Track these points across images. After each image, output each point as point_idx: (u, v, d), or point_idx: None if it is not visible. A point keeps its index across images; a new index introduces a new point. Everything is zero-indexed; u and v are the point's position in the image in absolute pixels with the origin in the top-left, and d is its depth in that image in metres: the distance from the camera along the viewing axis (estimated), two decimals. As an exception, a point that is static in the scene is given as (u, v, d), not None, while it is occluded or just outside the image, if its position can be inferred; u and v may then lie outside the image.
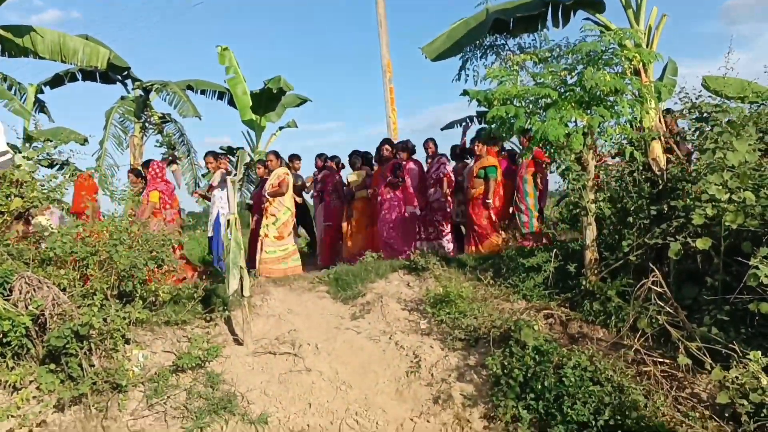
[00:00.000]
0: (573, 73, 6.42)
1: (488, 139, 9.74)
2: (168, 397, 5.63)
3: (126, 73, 14.71)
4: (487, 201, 9.22)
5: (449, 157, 10.34)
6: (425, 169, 10.29)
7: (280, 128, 16.57)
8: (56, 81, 15.27)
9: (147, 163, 10.18)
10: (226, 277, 6.56)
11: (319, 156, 11.57)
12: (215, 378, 5.91)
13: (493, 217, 9.33)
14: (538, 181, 9.20)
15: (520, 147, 10.73)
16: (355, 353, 6.55)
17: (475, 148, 9.49)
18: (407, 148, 10.24)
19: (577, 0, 8.51)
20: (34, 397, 5.28)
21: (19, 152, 7.18)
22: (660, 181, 6.65)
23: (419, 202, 10.02)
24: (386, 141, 10.34)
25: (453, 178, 9.98)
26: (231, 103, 15.66)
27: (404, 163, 10.05)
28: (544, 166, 9.57)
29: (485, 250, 9.17)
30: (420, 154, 10.51)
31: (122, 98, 15.08)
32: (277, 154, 9.86)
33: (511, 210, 9.51)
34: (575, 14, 8.69)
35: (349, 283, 7.99)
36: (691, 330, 5.37)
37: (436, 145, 10.44)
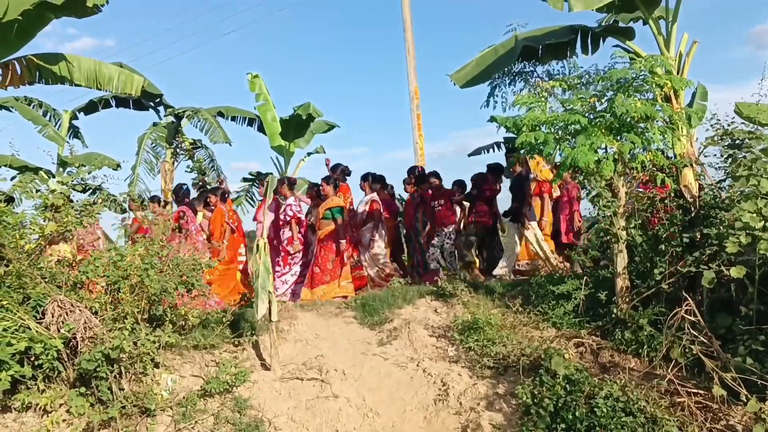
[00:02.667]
0: (603, 100, 6.41)
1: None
2: (196, 422, 5.64)
3: (158, 99, 14.98)
4: (341, 240, 9.16)
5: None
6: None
7: (309, 154, 16.72)
8: (90, 107, 15.60)
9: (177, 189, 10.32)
10: (255, 302, 6.59)
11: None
12: (243, 403, 5.91)
13: (346, 260, 9.32)
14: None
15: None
16: (382, 380, 6.51)
17: (322, 187, 9.62)
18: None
19: (607, 27, 8.51)
20: (64, 420, 5.31)
21: (53, 177, 7.31)
22: (692, 209, 6.57)
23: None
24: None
25: (301, 218, 9.88)
26: (261, 129, 15.85)
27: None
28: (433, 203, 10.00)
29: (315, 296, 9.02)
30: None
31: (154, 124, 15.35)
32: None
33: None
34: (604, 41, 8.68)
35: (376, 308, 7.96)
36: (725, 360, 5.26)
37: (290, 187, 10.20)
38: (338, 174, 10.22)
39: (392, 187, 11.56)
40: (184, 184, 11.27)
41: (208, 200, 10.33)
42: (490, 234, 10.21)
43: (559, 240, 10.28)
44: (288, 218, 9.79)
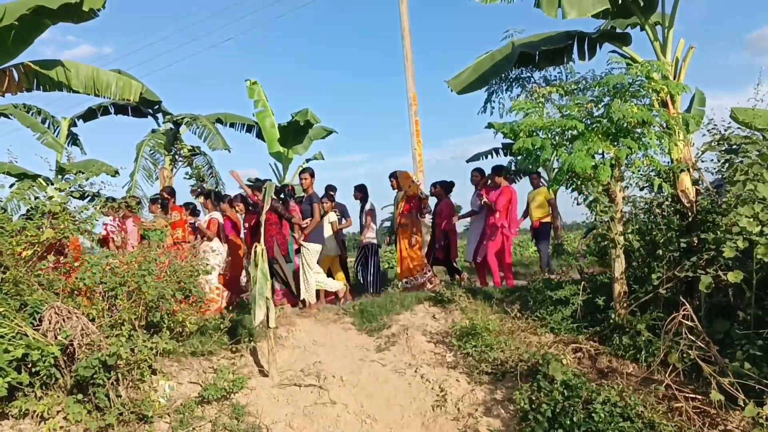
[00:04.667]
0: (599, 105, 6.42)
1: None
2: (193, 428, 5.62)
3: (157, 106, 15.03)
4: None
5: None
6: None
7: (307, 160, 16.77)
8: (89, 115, 15.63)
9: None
10: (252, 308, 6.58)
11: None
12: (240, 410, 5.90)
13: None
14: None
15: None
16: (380, 386, 6.50)
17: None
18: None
19: (603, 33, 8.54)
20: (61, 428, 5.29)
21: (52, 184, 7.31)
22: (689, 214, 6.57)
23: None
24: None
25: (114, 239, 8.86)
26: (259, 135, 15.89)
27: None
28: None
29: None
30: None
31: (153, 131, 15.39)
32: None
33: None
34: (601, 47, 8.71)
35: (374, 314, 7.96)
36: (723, 365, 5.26)
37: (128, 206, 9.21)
38: (168, 193, 10.16)
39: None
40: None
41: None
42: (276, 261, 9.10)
43: (434, 256, 10.29)
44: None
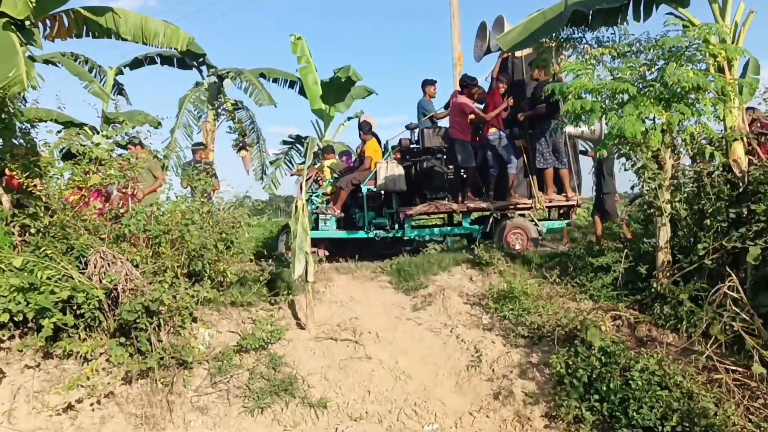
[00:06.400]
0: (653, 69, 6.22)
1: None
2: (231, 376, 5.75)
3: (202, 59, 15.04)
4: None
5: None
6: None
7: (349, 118, 16.71)
8: (135, 63, 15.73)
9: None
10: (292, 262, 6.64)
11: None
12: (277, 360, 5.99)
13: None
14: None
15: None
16: (415, 344, 6.54)
17: None
18: None
19: (661, -7, 8.21)
20: (103, 369, 5.45)
21: (98, 133, 7.41)
22: (741, 184, 6.38)
23: None
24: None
25: None
26: (301, 92, 15.85)
27: None
28: None
29: None
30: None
31: (197, 84, 15.44)
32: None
33: None
34: (657, 8, 8.37)
35: (411, 274, 7.96)
36: (767, 338, 5.15)
37: None
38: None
39: None
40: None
41: None
42: None
43: None
44: None
